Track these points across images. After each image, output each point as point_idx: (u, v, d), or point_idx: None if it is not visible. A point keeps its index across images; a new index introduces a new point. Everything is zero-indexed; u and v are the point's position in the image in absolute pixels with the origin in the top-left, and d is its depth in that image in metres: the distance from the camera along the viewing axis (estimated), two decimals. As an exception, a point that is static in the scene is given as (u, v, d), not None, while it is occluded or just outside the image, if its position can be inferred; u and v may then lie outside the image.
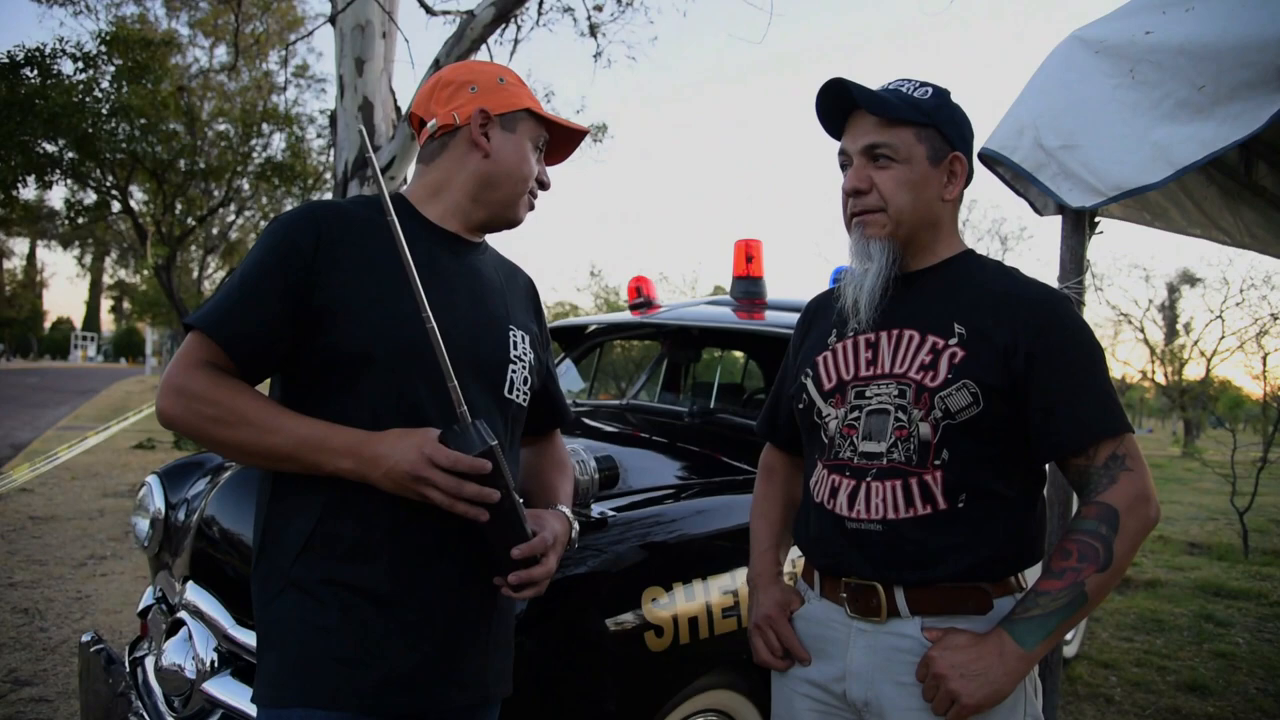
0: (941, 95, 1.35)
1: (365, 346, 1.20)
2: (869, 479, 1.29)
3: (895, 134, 1.31)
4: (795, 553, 1.52)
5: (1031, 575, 1.31)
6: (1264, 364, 15.91)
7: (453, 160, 1.35)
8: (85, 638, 2.26)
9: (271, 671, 1.20)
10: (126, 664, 2.18)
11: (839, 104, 1.36)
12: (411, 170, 6.04)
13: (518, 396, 1.36)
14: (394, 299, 1.21)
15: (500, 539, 1.17)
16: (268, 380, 1.29)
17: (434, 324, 1.14)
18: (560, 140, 1.46)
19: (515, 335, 1.37)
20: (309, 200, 1.31)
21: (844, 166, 1.38)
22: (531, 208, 1.42)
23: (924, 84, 1.36)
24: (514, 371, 1.35)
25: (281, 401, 1.24)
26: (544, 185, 1.43)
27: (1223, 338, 22.95)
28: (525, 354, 1.38)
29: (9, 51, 8.01)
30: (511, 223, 1.41)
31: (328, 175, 11.40)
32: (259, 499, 1.29)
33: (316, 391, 1.22)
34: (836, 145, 1.40)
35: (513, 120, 1.36)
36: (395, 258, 1.19)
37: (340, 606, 1.18)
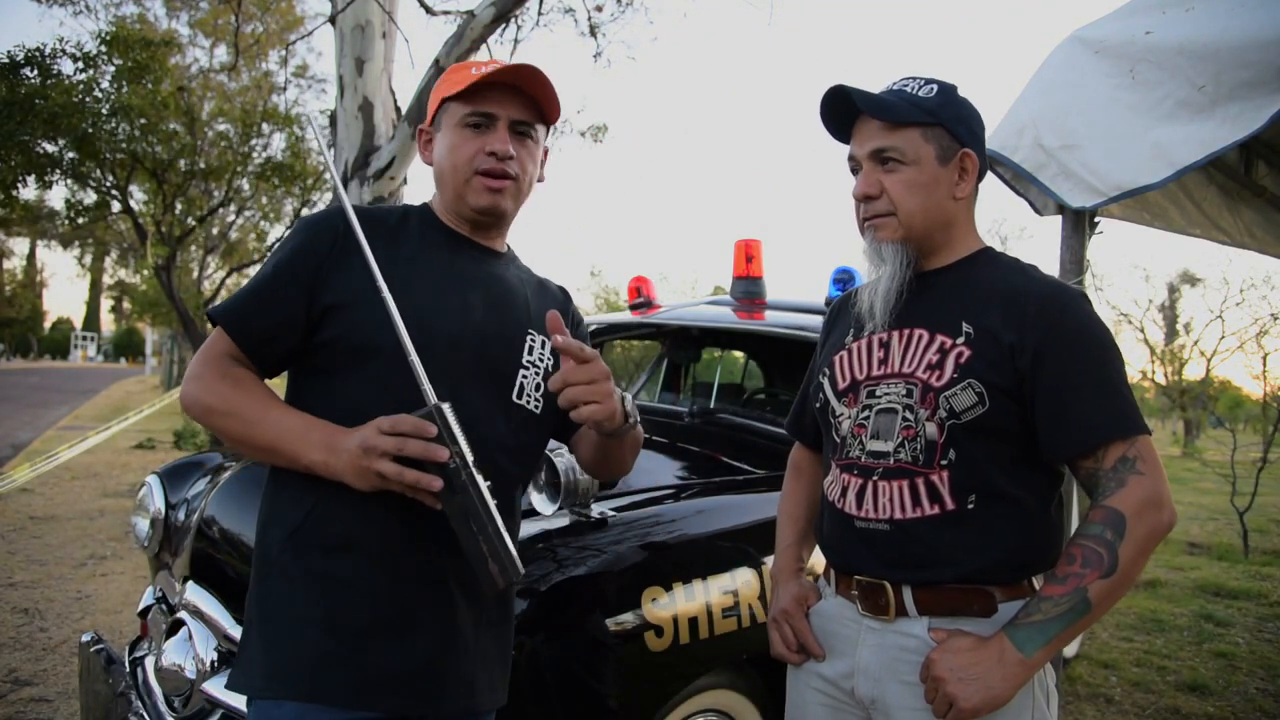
0: (947, 91, 1.33)
1: (359, 340, 1.22)
2: (875, 478, 1.29)
3: (901, 136, 1.29)
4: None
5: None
6: (1264, 364, 15.88)
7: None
8: (85, 638, 2.26)
9: (257, 660, 1.21)
10: (126, 664, 2.18)
11: (843, 110, 1.35)
12: (410, 170, 6.06)
13: (528, 402, 1.35)
14: (395, 295, 1.19)
15: (462, 522, 1.10)
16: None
17: (389, 296, 1.16)
18: (519, 89, 1.31)
19: (533, 340, 1.37)
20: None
21: (854, 171, 1.37)
22: (496, 189, 1.31)
23: (929, 81, 1.34)
24: (524, 377, 1.35)
25: (289, 394, 1.29)
26: (496, 155, 1.30)
27: (1223, 338, 22.85)
28: (543, 359, 1.37)
29: (9, 51, 8.00)
30: (482, 211, 1.33)
31: (327, 175, 11.39)
32: (264, 489, 1.32)
33: (313, 385, 1.28)
34: (834, 144, 1.40)
35: (440, 117, 1.37)
36: (411, 262, 1.28)
37: (326, 599, 1.19)
